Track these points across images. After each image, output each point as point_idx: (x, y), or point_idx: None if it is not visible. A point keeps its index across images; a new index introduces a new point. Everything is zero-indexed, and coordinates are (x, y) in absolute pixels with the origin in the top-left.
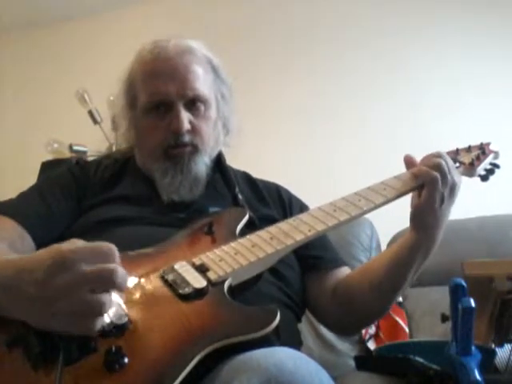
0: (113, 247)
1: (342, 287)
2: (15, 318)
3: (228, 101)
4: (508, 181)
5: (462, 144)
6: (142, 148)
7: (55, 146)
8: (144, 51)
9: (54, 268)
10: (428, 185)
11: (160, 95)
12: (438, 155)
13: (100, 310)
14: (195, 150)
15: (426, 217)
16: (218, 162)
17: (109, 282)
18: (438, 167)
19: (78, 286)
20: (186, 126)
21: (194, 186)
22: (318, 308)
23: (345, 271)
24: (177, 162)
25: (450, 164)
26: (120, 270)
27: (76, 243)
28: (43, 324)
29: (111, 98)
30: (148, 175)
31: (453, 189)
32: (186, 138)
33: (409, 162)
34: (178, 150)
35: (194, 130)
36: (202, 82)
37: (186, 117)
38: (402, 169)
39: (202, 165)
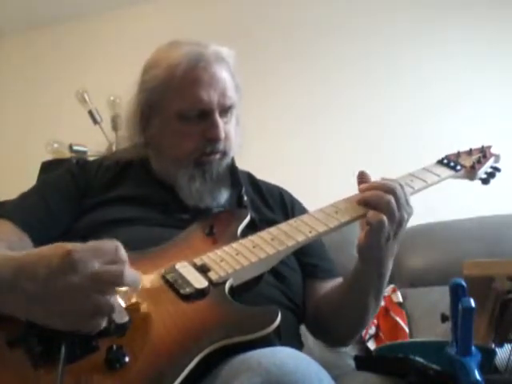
0: (118, 244)
1: (323, 301)
2: (14, 315)
3: (240, 104)
4: (508, 181)
5: (463, 146)
6: (166, 152)
7: (55, 145)
8: (176, 55)
9: (61, 268)
10: (373, 227)
11: (202, 103)
12: (389, 189)
13: (107, 311)
14: (224, 155)
15: (372, 252)
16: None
17: (118, 284)
18: (387, 206)
19: (86, 288)
20: (223, 134)
21: (218, 192)
22: (307, 315)
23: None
24: (206, 169)
25: (400, 198)
26: (127, 271)
27: (80, 244)
28: (45, 321)
29: (111, 98)
30: (162, 179)
31: (400, 224)
32: (221, 146)
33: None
34: (210, 157)
35: (225, 137)
36: (234, 90)
37: (222, 125)
38: (403, 168)
39: (226, 168)
